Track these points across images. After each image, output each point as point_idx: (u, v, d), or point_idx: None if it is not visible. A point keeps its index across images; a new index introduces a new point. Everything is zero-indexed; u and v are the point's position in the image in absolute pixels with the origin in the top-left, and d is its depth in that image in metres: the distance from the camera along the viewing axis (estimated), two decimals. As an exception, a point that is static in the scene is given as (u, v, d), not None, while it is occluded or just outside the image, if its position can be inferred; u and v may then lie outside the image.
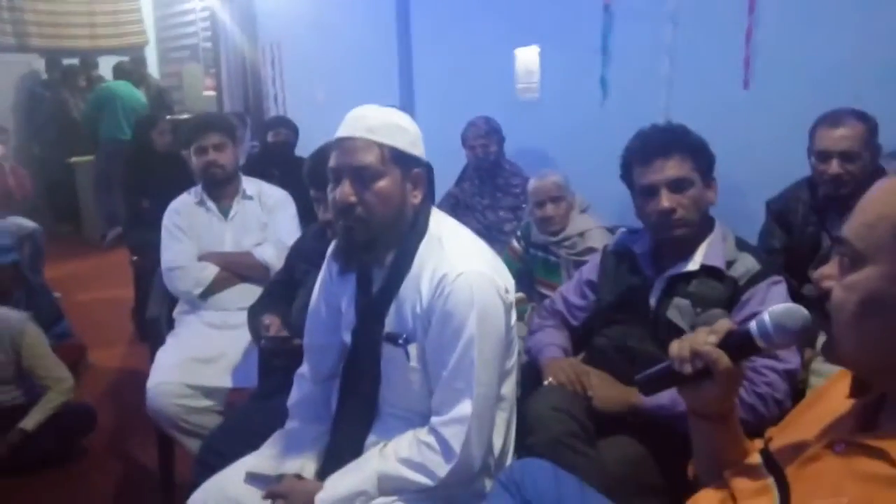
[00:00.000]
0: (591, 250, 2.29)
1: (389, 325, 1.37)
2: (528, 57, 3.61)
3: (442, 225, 1.41)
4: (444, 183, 3.43)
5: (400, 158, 1.33)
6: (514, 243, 2.67)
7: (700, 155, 1.58)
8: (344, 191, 1.30)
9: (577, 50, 3.35)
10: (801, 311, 0.88)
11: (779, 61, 2.61)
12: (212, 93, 6.54)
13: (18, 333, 2.61)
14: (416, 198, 1.37)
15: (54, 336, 3.35)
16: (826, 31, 2.45)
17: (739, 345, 0.93)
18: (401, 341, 1.35)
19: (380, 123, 1.33)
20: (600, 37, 3.23)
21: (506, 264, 2.55)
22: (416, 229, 1.37)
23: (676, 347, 0.96)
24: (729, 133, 2.73)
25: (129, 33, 7.48)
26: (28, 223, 4.57)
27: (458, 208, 3.13)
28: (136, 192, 3.97)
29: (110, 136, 6.01)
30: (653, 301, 1.60)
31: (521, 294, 2.54)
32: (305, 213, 2.45)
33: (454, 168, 3.36)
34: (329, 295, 1.53)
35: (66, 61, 6.91)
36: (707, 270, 1.56)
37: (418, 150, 1.38)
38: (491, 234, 2.97)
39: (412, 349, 1.34)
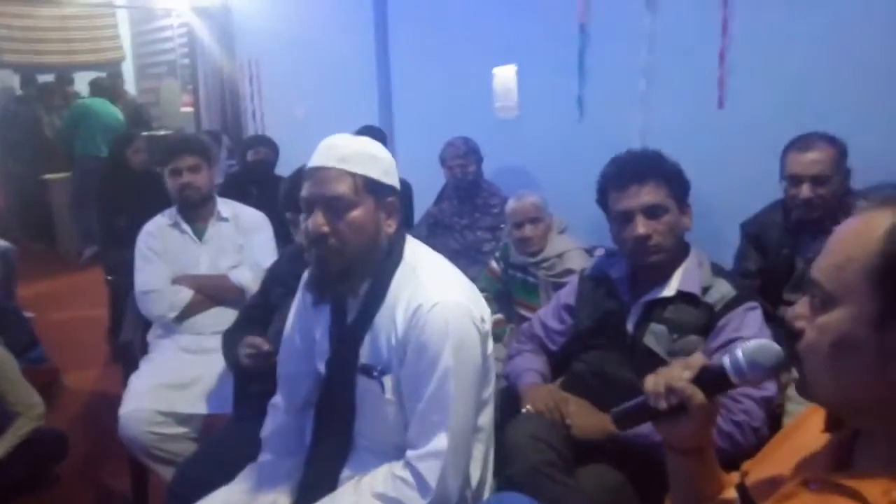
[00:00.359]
0: (569, 272, 2.29)
1: (364, 356, 1.35)
2: (505, 75, 3.62)
3: (417, 253, 1.39)
4: (424, 202, 3.43)
5: (373, 188, 1.32)
6: (493, 264, 2.66)
7: (675, 181, 1.58)
8: (317, 221, 1.29)
9: (553, 69, 3.37)
10: (774, 347, 0.88)
11: (752, 81, 2.64)
12: (189, 109, 6.48)
13: (-12, 359, 2.54)
14: (391, 227, 1.36)
15: (28, 361, 3.28)
16: (798, 52, 2.49)
17: (714, 380, 0.92)
18: (375, 373, 1.33)
19: (352, 153, 1.31)
20: (576, 56, 3.25)
21: (485, 284, 2.59)
22: (390, 258, 1.35)
23: (651, 383, 0.95)
24: (704, 152, 2.76)
25: (105, 49, 7.41)
26: (1, 242, 4.50)
27: (436, 228, 3.13)
28: (111, 211, 3.90)
29: (86, 153, 5.94)
30: (630, 326, 1.60)
31: (499, 315, 2.53)
32: (283, 235, 2.42)
33: (433, 187, 3.36)
34: (303, 323, 1.50)
35: (42, 78, 6.83)
36: (683, 296, 1.56)
37: (391, 178, 1.37)
38: (469, 253, 2.97)
39: (387, 381, 1.32)
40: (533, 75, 3.52)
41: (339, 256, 1.30)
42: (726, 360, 0.90)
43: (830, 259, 0.79)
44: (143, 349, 2.51)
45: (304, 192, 1.32)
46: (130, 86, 7.47)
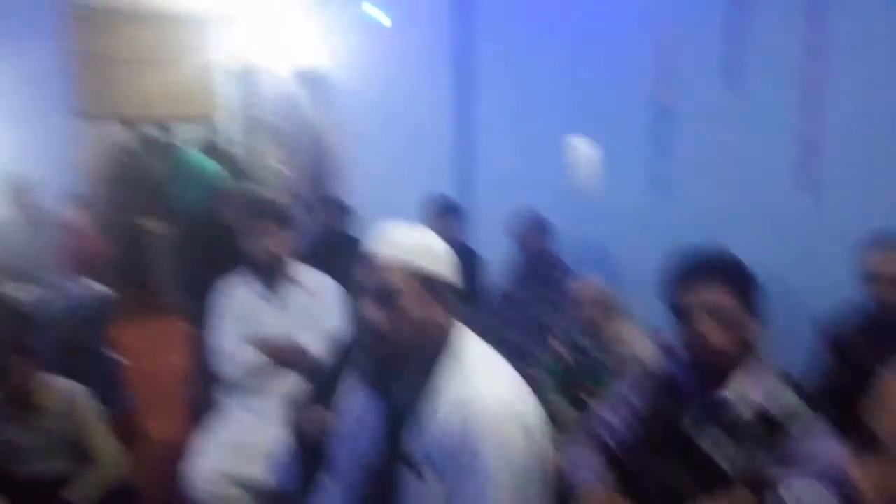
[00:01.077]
0: (633, 360, 2.24)
1: (408, 445, 1.36)
2: (582, 147, 3.64)
3: (468, 346, 1.41)
4: (493, 271, 3.44)
5: (426, 279, 1.35)
6: (556, 344, 2.63)
7: (743, 282, 1.54)
8: (370, 310, 1.33)
9: (632, 143, 3.37)
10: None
11: (843, 165, 2.54)
12: (281, 166, 6.82)
13: (73, 405, 2.68)
14: (442, 318, 1.38)
15: (113, 407, 3.45)
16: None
17: None
18: (418, 463, 1.34)
19: (408, 243, 1.36)
20: (656, 132, 3.23)
21: (546, 366, 2.56)
22: (440, 349, 1.38)
23: None
24: (784, 240, 2.67)
25: (208, 105, 7.93)
26: (99, 287, 4.81)
27: (502, 300, 3.12)
28: (199, 263, 4.09)
29: (185, 204, 6.30)
30: (688, 428, 1.54)
31: (558, 398, 2.49)
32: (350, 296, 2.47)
33: (503, 256, 3.37)
34: (356, 405, 1.54)
35: (148, 130, 7.38)
36: (745, 402, 1.49)
37: (446, 270, 1.40)
38: (533, 328, 2.95)
39: (429, 473, 1.33)
40: (610, 148, 3.52)
41: (388, 345, 1.34)
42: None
43: None
44: (215, 406, 2.61)
45: (360, 277, 1.37)
46: (230, 141, 7.94)
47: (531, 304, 3.08)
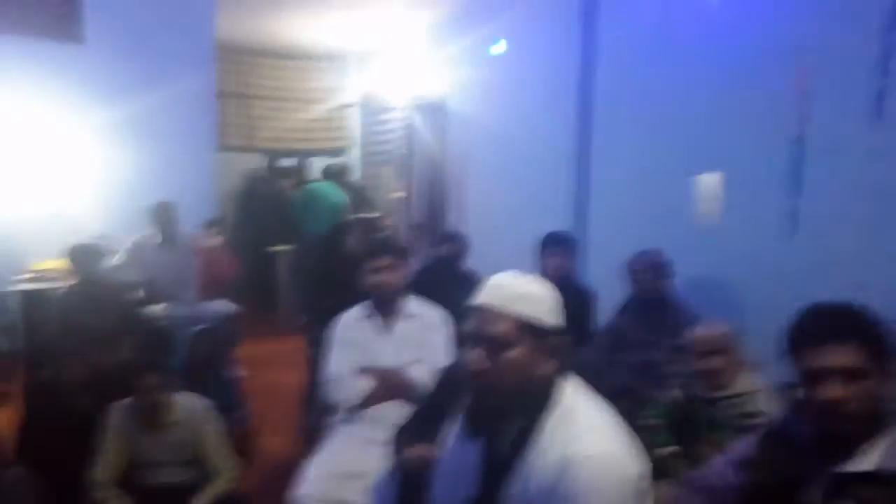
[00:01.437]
0: (756, 415, 2.10)
1: (509, 496, 1.35)
2: (710, 183, 3.49)
3: (575, 397, 1.39)
4: (609, 310, 3.35)
5: (534, 329, 1.35)
6: (674, 391, 2.51)
7: (880, 343, 1.41)
8: (476, 357, 1.34)
9: (764, 179, 3.19)
10: None
11: None
12: (402, 195, 7.04)
13: (200, 421, 2.87)
14: (549, 368, 1.37)
15: (232, 421, 3.65)
16: None
17: None
18: (515, 512, 1.32)
19: (516, 293, 1.36)
20: (791, 168, 3.05)
21: (662, 411, 2.45)
22: (546, 400, 1.37)
23: None
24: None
25: (337, 138, 8.37)
26: (229, 306, 5.14)
27: (617, 341, 3.04)
28: (321, 288, 4.29)
29: (310, 230, 6.62)
30: (812, 499, 1.42)
31: (674, 448, 2.37)
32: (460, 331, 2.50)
33: (617, 297, 3.27)
34: (459, 448, 1.54)
35: (284, 161, 7.89)
36: (884, 475, 1.35)
37: (554, 319, 1.39)
38: (649, 373, 2.85)
39: None
40: (740, 185, 3.35)
41: (495, 393, 1.34)
42: None
43: None
44: (326, 431, 2.70)
45: (469, 326, 1.39)
46: (356, 171, 8.31)
47: (647, 348, 2.97)
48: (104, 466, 2.71)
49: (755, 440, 1.65)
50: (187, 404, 2.86)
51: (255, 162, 8.06)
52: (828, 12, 2.90)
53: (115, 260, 4.46)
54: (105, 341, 3.59)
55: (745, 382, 2.32)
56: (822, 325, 1.45)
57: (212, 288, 5.14)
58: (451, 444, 1.58)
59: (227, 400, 3.61)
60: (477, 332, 1.36)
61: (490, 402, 1.36)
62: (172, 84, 5.15)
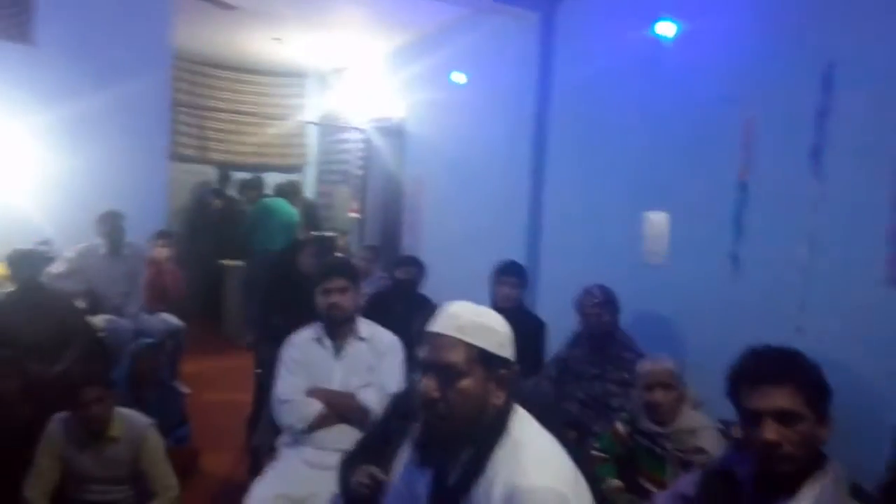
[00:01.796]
0: (700, 450, 2.17)
1: (455, 523, 1.36)
2: (658, 221, 3.61)
3: (524, 429, 1.41)
4: (559, 341, 3.41)
5: (486, 359, 1.37)
6: (619, 425, 2.57)
7: (816, 388, 1.48)
8: (428, 385, 1.36)
9: (709, 221, 3.33)
10: None
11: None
12: (356, 215, 7.03)
13: (141, 438, 2.79)
14: (499, 399, 1.39)
15: (174, 439, 3.57)
16: None
17: None
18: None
19: (470, 323, 1.38)
20: (734, 211, 3.19)
21: (606, 445, 2.51)
22: (495, 431, 1.38)
23: None
24: (868, 335, 2.56)
25: (292, 154, 8.32)
26: (174, 321, 5.02)
27: (565, 373, 3.10)
28: (271, 307, 4.22)
29: (262, 246, 6.54)
30: (750, 536, 1.48)
31: (618, 482, 2.42)
32: (412, 357, 2.50)
33: (566, 330, 3.34)
34: (409, 476, 1.55)
35: (238, 174, 7.80)
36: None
37: (506, 351, 1.42)
38: (596, 406, 2.91)
39: None
40: (686, 224, 3.48)
41: (445, 422, 1.36)
42: None
43: None
44: (273, 454, 2.66)
45: (422, 354, 1.40)
46: (309, 188, 8.26)
47: (594, 380, 3.03)
48: (38, 481, 2.62)
49: (698, 476, 1.70)
50: (128, 420, 2.79)
51: (207, 174, 7.95)
52: (772, 67, 3.07)
53: (56, 268, 4.30)
54: (43, 351, 3.48)
55: (689, 418, 2.38)
56: (761, 367, 1.51)
57: (158, 301, 5.02)
58: (401, 472, 1.58)
59: (170, 417, 3.53)
60: (430, 359, 1.38)
61: (440, 431, 1.37)
62: (125, 90, 5.02)
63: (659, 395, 2.41)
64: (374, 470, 1.98)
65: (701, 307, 3.32)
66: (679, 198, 3.52)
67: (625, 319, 3.22)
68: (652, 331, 3.43)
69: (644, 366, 2.51)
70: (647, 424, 2.46)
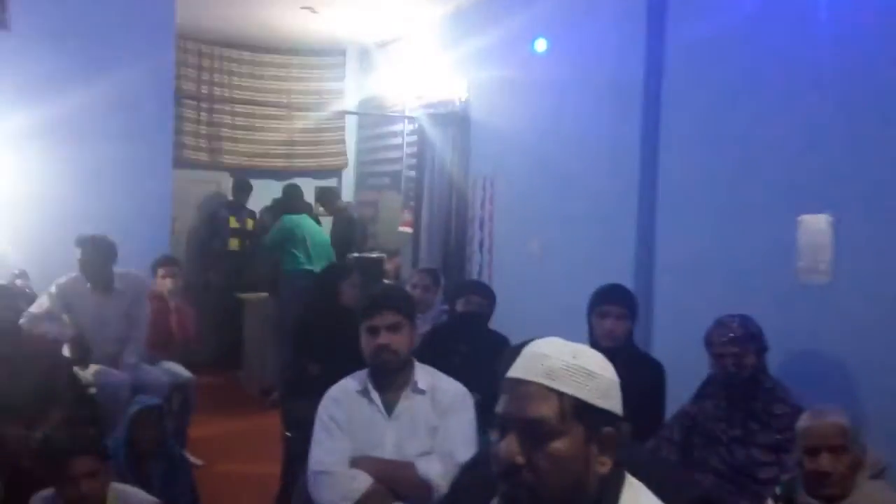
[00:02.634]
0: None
1: None
2: (816, 227, 3.52)
3: (638, 503, 1.38)
4: (680, 394, 3.35)
5: (586, 413, 1.35)
6: (770, 501, 2.51)
7: None
8: (509, 448, 1.34)
9: (889, 226, 3.25)
10: None
11: None
12: (408, 230, 7.08)
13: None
14: (604, 466, 1.38)
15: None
16: None
17: None
18: None
19: (564, 366, 1.37)
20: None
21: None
22: (597, 507, 1.36)
23: None
24: None
25: (328, 155, 8.47)
26: (182, 372, 5.16)
27: (694, 435, 3.05)
28: (305, 352, 4.27)
29: (293, 269, 6.67)
30: None
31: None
32: (486, 411, 2.49)
33: (697, 375, 3.28)
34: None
35: (257, 182, 7.98)
36: None
37: (611, 402, 1.39)
38: (738, 478, 2.86)
39: None
40: (856, 230, 3.38)
41: (532, 496, 1.34)
42: None
43: None
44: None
45: (500, 407, 1.40)
46: (347, 195, 8.38)
47: (734, 443, 2.96)
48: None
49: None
50: (126, 499, 2.88)
51: (220, 183, 8.17)
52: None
53: (36, 307, 4.46)
54: (21, 413, 3.62)
55: (868, 491, 2.32)
56: None
57: (161, 346, 5.17)
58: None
59: (178, 495, 3.61)
60: (512, 415, 1.36)
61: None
62: (118, 81, 5.19)
63: (826, 462, 2.37)
64: None
65: (879, 342, 3.23)
66: (847, 194, 3.43)
67: (774, 360, 3.15)
68: (812, 376, 3.36)
69: (804, 422, 2.48)
70: (810, 500, 2.40)
